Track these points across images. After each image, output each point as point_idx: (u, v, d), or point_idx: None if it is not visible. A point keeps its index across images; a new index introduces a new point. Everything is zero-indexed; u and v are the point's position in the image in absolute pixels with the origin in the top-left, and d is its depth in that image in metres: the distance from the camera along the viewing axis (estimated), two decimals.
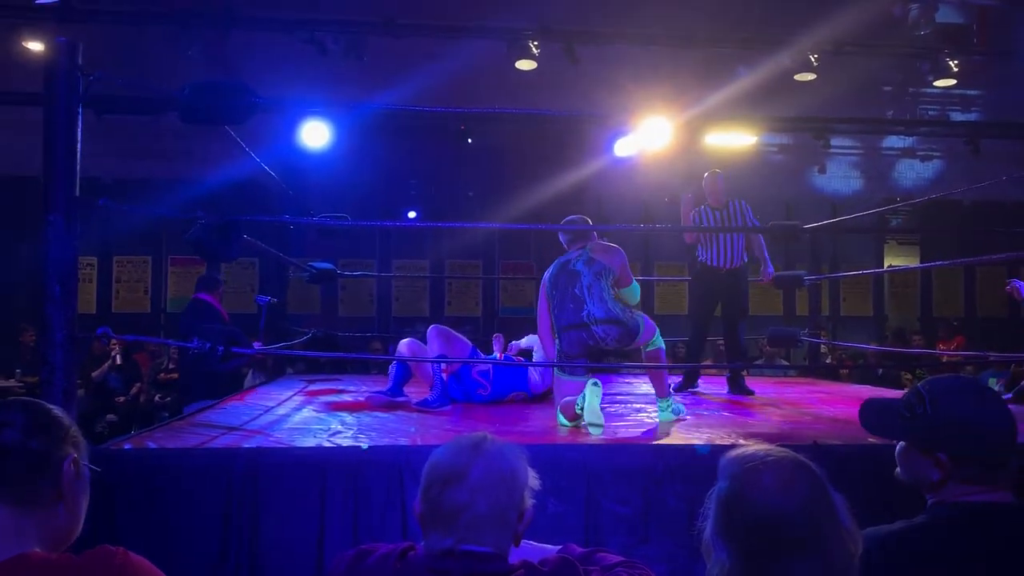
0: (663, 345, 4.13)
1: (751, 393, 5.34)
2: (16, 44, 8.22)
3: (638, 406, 4.65)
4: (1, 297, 9.41)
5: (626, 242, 10.21)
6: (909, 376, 8.68)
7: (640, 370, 7.16)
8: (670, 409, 4.06)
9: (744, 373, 5.65)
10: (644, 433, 3.65)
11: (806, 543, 1.19)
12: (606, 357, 4.18)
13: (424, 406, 4.38)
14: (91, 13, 8.13)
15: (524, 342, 5.29)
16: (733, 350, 5.68)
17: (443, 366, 4.52)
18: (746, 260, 5.55)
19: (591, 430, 3.51)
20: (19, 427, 1.34)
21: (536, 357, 4.98)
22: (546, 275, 4.18)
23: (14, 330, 8.57)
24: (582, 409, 3.59)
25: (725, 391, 5.54)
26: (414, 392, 4.73)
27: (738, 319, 5.61)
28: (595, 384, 3.65)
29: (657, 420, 4.04)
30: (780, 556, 1.19)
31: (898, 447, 1.64)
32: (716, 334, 6.17)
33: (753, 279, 5.84)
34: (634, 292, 4.17)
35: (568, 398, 3.77)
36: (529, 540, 1.57)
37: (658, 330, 4.09)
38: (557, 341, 4.10)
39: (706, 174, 5.61)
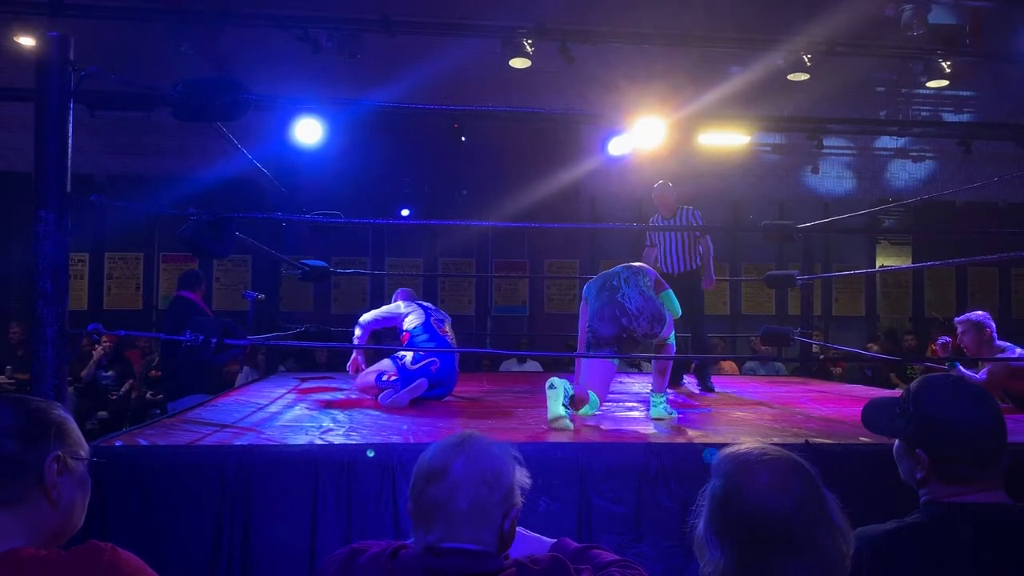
0: (674, 343, 4.21)
1: (712, 390, 5.64)
2: (7, 39, 8.18)
3: (630, 404, 4.65)
4: None
5: (620, 241, 10.27)
6: (896, 376, 8.70)
7: (632, 367, 7.18)
8: (663, 406, 4.08)
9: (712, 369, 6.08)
10: (637, 431, 3.65)
11: (801, 542, 1.19)
12: (636, 347, 4.21)
13: (394, 401, 4.42)
14: (83, 8, 8.09)
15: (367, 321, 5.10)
16: (698, 348, 5.92)
17: (387, 375, 4.57)
18: (698, 265, 5.77)
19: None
20: None
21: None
22: (587, 285, 4.24)
23: (3, 326, 8.53)
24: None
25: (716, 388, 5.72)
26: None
27: (699, 319, 5.86)
28: (551, 387, 3.65)
29: (650, 418, 4.05)
30: (774, 555, 1.19)
31: (895, 445, 1.65)
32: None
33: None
34: (673, 300, 4.28)
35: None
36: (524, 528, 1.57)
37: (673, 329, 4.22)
38: (589, 332, 4.12)
39: (656, 184, 5.84)
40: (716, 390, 5.68)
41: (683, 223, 5.70)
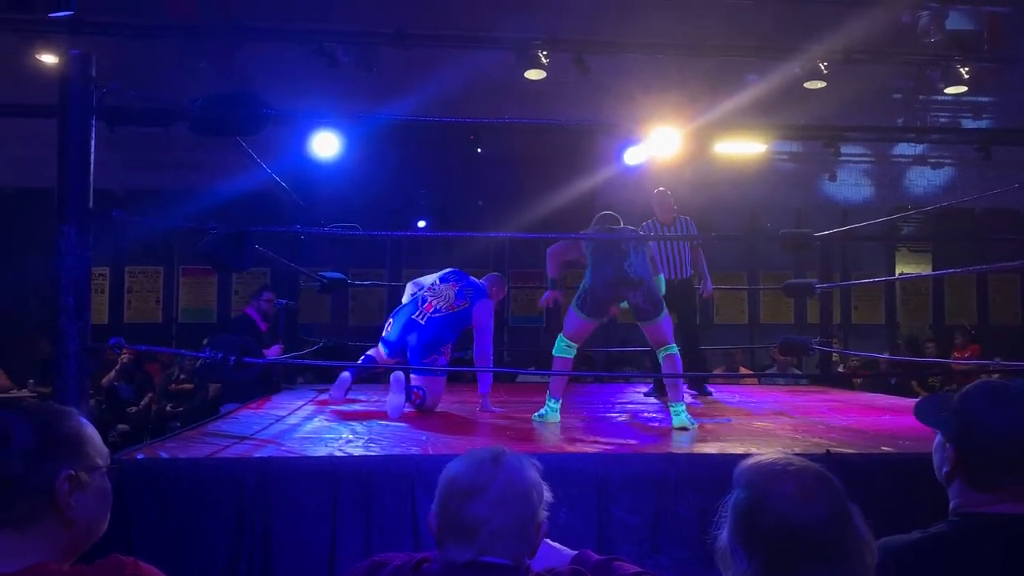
0: (678, 353, 4.22)
1: (709, 393, 5.89)
2: (30, 57, 8.29)
3: (649, 415, 4.63)
4: (13, 307, 9.48)
5: None
6: (918, 384, 8.62)
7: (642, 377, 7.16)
8: (684, 415, 4.05)
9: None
10: (655, 442, 3.64)
11: (827, 553, 1.18)
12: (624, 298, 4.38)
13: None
14: (103, 26, 8.18)
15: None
16: (691, 357, 5.93)
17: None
18: (690, 274, 5.92)
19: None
20: (3, 452, 1.28)
21: None
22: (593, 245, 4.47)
23: (27, 340, 8.62)
24: None
25: (735, 398, 5.72)
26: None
27: (692, 324, 6.02)
28: (538, 417, 4.25)
29: (670, 427, 4.04)
30: (802, 565, 1.18)
31: (936, 437, 1.64)
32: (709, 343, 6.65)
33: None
34: (661, 283, 4.60)
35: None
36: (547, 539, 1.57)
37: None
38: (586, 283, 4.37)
39: (656, 191, 6.05)
40: (712, 394, 5.87)
41: (680, 231, 5.85)
